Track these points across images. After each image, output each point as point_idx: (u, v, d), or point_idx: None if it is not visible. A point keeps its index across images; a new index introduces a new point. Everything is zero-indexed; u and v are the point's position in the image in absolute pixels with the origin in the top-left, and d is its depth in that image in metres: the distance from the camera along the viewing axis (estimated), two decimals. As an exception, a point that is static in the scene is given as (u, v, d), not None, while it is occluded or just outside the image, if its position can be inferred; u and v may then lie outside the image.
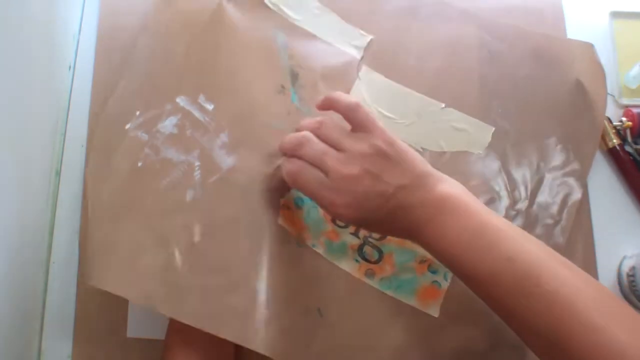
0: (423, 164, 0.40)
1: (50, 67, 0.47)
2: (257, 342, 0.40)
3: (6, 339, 0.39)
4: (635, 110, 0.52)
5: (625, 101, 0.53)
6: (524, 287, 0.34)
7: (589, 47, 0.53)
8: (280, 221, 0.45)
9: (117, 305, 0.45)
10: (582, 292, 0.33)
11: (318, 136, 0.40)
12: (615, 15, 0.56)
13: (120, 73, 0.48)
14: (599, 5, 0.56)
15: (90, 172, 0.44)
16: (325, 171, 0.39)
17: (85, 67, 0.51)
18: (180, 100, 0.46)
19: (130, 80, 0.47)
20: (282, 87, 0.49)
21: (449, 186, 0.39)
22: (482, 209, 0.38)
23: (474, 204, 0.38)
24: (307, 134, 0.40)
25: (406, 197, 0.38)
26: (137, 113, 0.46)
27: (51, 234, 0.47)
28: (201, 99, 0.46)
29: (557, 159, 0.50)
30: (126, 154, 0.44)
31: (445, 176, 0.40)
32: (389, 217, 0.39)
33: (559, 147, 0.50)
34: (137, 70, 0.48)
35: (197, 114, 0.46)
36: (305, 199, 0.46)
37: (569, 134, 0.51)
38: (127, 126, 0.45)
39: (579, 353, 0.32)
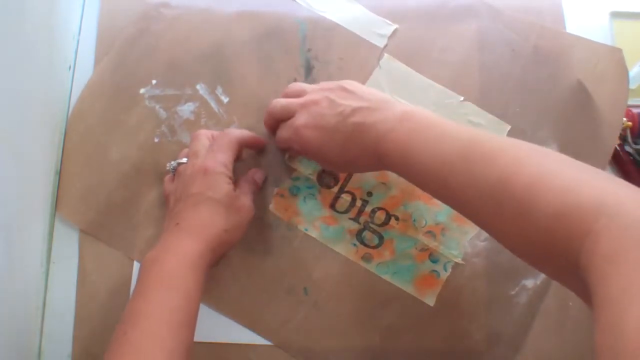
0: (383, 94, 0.42)
1: (50, 67, 0.47)
2: (234, 311, 0.45)
3: (6, 338, 0.39)
4: (635, 110, 0.51)
5: (625, 101, 0.53)
6: (468, 155, 0.35)
7: (617, 52, 0.52)
8: (272, 208, 0.48)
9: (117, 306, 0.45)
10: (523, 147, 0.35)
11: (289, 94, 0.45)
12: (615, 15, 0.56)
13: (139, 36, 0.51)
14: (599, 5, 0.56)
15: (96, 116, 0.49)
16: (293, 114, 0.43)
17: (85, 67, 0.51)
18: (200, 88, 0.49)
19: (149, 47, 0.51)
20: (295, 80, 0.50)
21: (409, 106, 0.41)
22: (442, 118, 0.39)
23: (435, 116, 0.39)
24: (275, 100, 0.45)
25: (366, 116, 0.40)
26: (154, 82, 0.50)
27: (51, 234, 0.47)
28: (219, 90, 0.50)
29: None
30: (142, 124, 0.49)
31: (408, 104, 0.42)
32: (351, 136, 0.40)
33: (570, 155, 0.50)
34: (158, 42, 0.51)
35: (213, 104, 0.50)
36: (301, 187, 0.48)
37: (581, 145, 0.50)
38: (142, 90, 0.49)
39: (517, 192, 0.32)
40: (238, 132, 0.45)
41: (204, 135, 0.45)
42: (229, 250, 0.44)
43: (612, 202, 0.28)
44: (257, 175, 0.47)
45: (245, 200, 0.44)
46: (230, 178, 0.43)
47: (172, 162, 0.45)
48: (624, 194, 0.28)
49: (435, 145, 0.37)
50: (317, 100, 0.42)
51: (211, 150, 0.43)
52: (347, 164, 0.43)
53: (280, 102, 0.44)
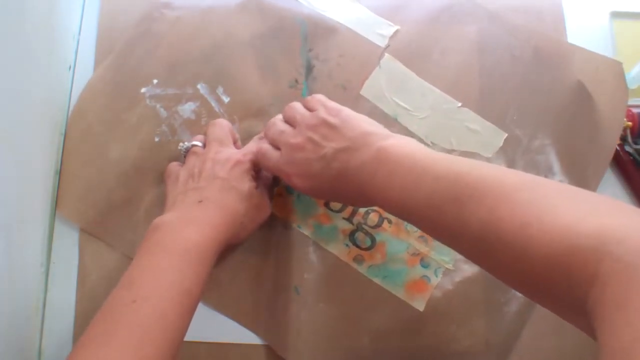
0: (367, 124, 0.40)
1: (50, 67, 0.47)
2: (233, 310, 0.45)
3: (6, 338, 0.39)
4: (635, 110, 0.51)
5: (625, 101, 0.53)
6: (455, 197, 0.33)
7: (617, 65, 0.52)
8: (271, 208, 0.47)
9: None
10: (513, 180, 0.32)
11: (285, 118, 0.44)
12: (615, 15, 0.56)
13: (141, 36, 0.51)
14: (599, 5, 0.56)
15: (96, 115, 0.49)
16: (280, 147, 0.42)
17: (85, 67, 0.51)
18: (201, 87, 0.49)
19: (150, 47, 0.51)
20: (296, 81, 0.51)
21: (390, 141, 0.38)
22: (419, 151, 0.37)
23: (412, 149, 0.37)
24: (274, 118, 0.45)
25: (348, 160, 0.39)
26: (155, 81, 0.50)
27: (51, 233, 0.47)
28: (219, 90, 0.50)
29: (565, 174, 0.50)
30: (143, 123, 0.49)
31: (392, 134, 0.39)
32: (337, 182, 0.40)
33: (567, 162, 0.50)
34: (159, 42, 0.51)
35: (214, 104, 0.49)
36: None
37: (580, 152, 0.50)
38: (143, 90, 0.49)
39: (509, 235, 0.30)
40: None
41: (226, 125, 0.46)
42: (234, 246, 0.45)
43: (614, 238, 0.25)
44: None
45: (265, 199, 0.45)
46: (254, 177, 0.44)
47: (186, 143, 0.46)
48: (626, 226, 0.26)
49: (418, 188, 0.35)
50: (302, 145, 0.41)
51: (247, 148, 0.46)
52: (340, 202, 0.46)
53: (275, 128, 0.44)
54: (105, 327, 0.33)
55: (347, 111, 0.42)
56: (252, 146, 0.46)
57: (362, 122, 0.41)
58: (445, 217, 0.33)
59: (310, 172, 0.40)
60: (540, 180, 0.33)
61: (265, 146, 0.44)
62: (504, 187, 0.32)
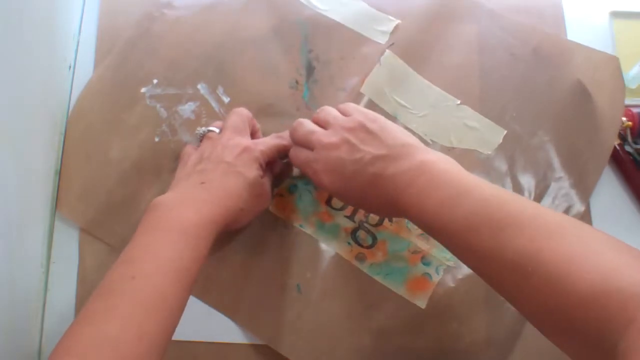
0: (405, 136, 0.40)
1: (50, 67, 0.47)
2: (233, 310, 0.45)
3: (6, 338, 0.39)
4: (635, 110, 0.51)
5: (625, 101, 0.53)
6: (497, 220, 0.33)
7: (614, 60, 0.52)
8: (271, 208, 0.48)
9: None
10: (556, 218, 0.33)
11: (315, 120, 0.44)
12: (615, 15, 0.56)
13: (141, 35, 0.51)
14: (599, 5, 0.56)
15: (96, 114, 0.49)
16: (312, 147, 0.42)
17: (85, 67, 0.51)
18: (201, 88, 0.50)
19: (150, 47, 0.51)
20: (296, 82, 0.51)
21: (429, 154, 0.39)
22: (462, 171, 0.37)
23: (455, 167, 0.38)
24: (301, 119, 0.44)
25: (385, 167, 0.39)
26: (155, 81, 0.50)
27: (51, 233, 0.47)
28: (220, 90, 0.50)
29: (564, 170, 0.50)
30: (143, 123, 0.49)
31: (427, 148, 0.40)
32: (369, 186, 0.39)
33: (567, 159, 0.50)
34: (160, 42, 0.51)
35: (214, 104, 0.50)
36: (299, 183, 0.48)
37: (579, 149, 0.50)
38: (143, 90, 0.50)
39: (550, 267, 0.30)
40: (286, 143, 0.45)
41: (246, 114, 0.46)
42: (233, 232, 0.45)
43: None
44: (275, 166, 0.47)
45: (267, 190, 0.45)
46: (261, 166, 0.44)
47: (203, 128, 0.46)
48: None
49: (456, 206, 0.35)
50: (337, 144, 0.40)
51: (262, 139, 0.46)
52: (365, 209, 0.45)
53: (304, 127, 0.43)
54: (105, 303, 0.33)
55: (384, 119, 0.42)
56: (268, 140, 0.46)
57: (401, 132, 0.41)
58: (481, 240, 0.33)
59: (341, 173, 0.40)
60: (581, 223, 0.33)
61: (294, 148, 0.44)
62: (547, 222, 0.32)
